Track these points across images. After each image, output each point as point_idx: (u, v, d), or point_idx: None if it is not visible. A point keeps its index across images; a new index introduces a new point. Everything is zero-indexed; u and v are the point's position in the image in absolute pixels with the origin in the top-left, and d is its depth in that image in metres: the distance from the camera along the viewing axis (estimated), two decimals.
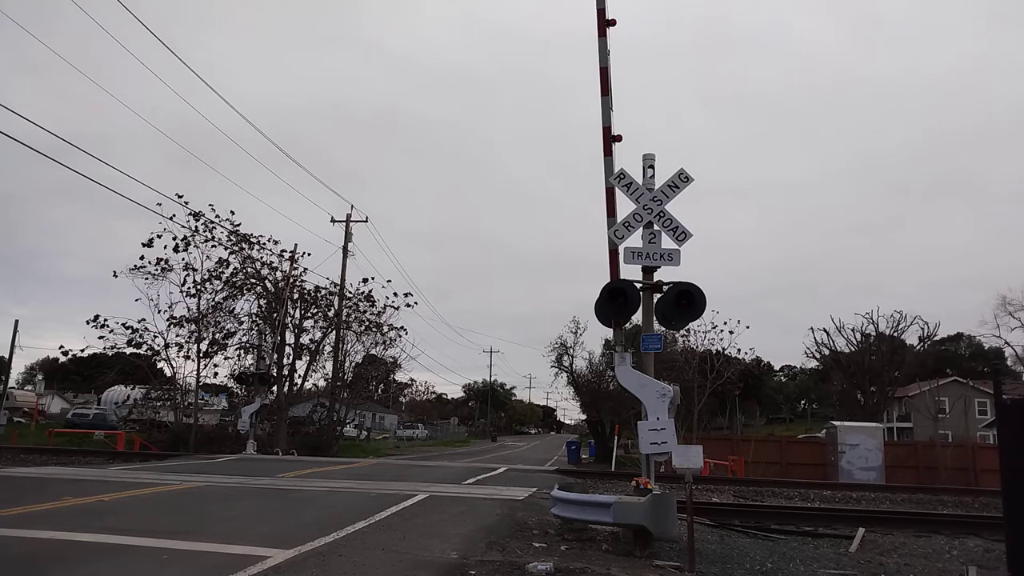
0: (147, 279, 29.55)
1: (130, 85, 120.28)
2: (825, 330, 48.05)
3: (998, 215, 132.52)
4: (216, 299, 31.10)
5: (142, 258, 29.67)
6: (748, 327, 34.83)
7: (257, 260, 31.65)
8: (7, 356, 39.04)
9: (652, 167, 9.80)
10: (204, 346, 30.69)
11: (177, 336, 30.40)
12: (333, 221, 36.31)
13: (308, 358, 33.32)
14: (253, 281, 31.71)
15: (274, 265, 31.94)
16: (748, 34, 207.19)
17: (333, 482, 14.04)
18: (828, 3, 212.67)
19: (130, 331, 29.75)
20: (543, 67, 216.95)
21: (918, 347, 48.34)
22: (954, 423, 43.00)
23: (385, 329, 34.55)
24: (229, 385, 34.03)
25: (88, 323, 29.37)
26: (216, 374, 32.12)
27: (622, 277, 9.65)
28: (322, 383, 35.93)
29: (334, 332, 33.86)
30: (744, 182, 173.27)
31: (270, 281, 31.90)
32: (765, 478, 23.60)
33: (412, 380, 79.98)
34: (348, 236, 35.45)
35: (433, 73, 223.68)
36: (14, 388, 61.90)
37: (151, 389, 31.49)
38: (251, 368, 28.78)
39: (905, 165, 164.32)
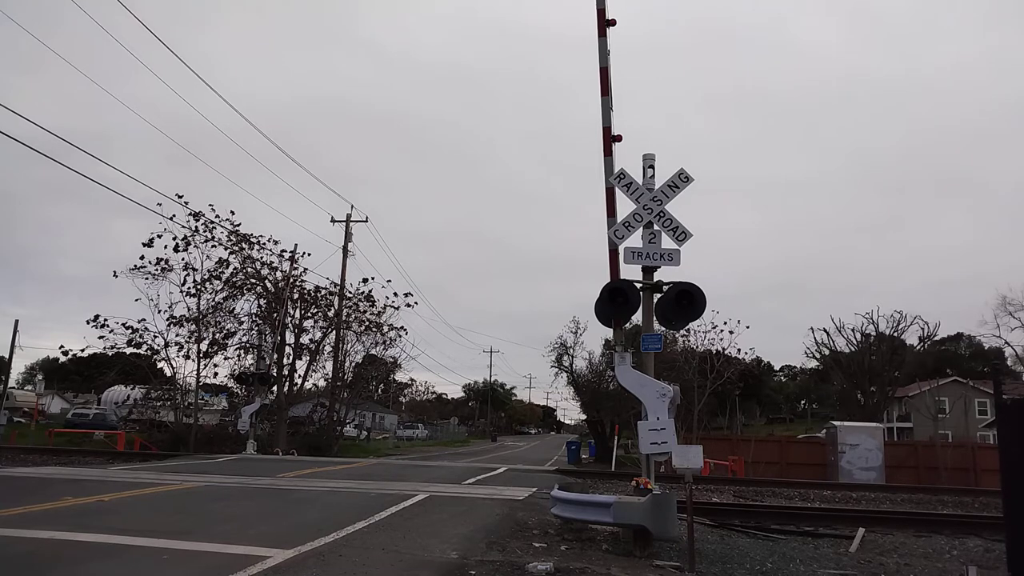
0: (147, 279, 29.57)
1: (129, 84, 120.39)
2: (825, 330, 48.13)
3: (998, 214, 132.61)
4: (216, 299, 31.11)
5: (142, 258, 29.71)
6: (748, 327, 34.80)
7: (257, 260, 31.67)
8: (7, 356, 38.93)
9: (652, 167, 9.80)
10: (204, 346, 30.70)
11: (177, 336, 30.43)
12: (333, 221, 36.34)
13: (308, 358, 33.33)
14: (253, 281, 31.70)
15: (274, 265, 31.98)
16: (748, 33, 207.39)
17: (333, 482, 14.04)
18: (827, 2, 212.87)
19: (130, 331, 29.77)
20: (543, 66, 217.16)
21: (918, 347, 48.35)
22: (954, 423, 42.98)
23: (385, 329, 34.56)
24: (229, 385, 33.99)
25: (88, 323, 29.40)
26: (216, 374, 32.14)
27: (622, 277, 9.64)
28: (322, 383, 35.95)
29: (334, 332, 33.85)
30: (744, 181, 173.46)
31: (270, 281, 31.90)
32: (765, 478, 23.60)
33: (412, 380, 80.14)
34: (348, 236, 35.46)
35: (432, 72, 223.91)
36: (14, 388, 61.83)
37: (151, 389, 31.46)
38: (251, 368, 28.74)
39: (905, 164, 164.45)
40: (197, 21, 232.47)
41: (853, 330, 46.44)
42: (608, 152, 10.22)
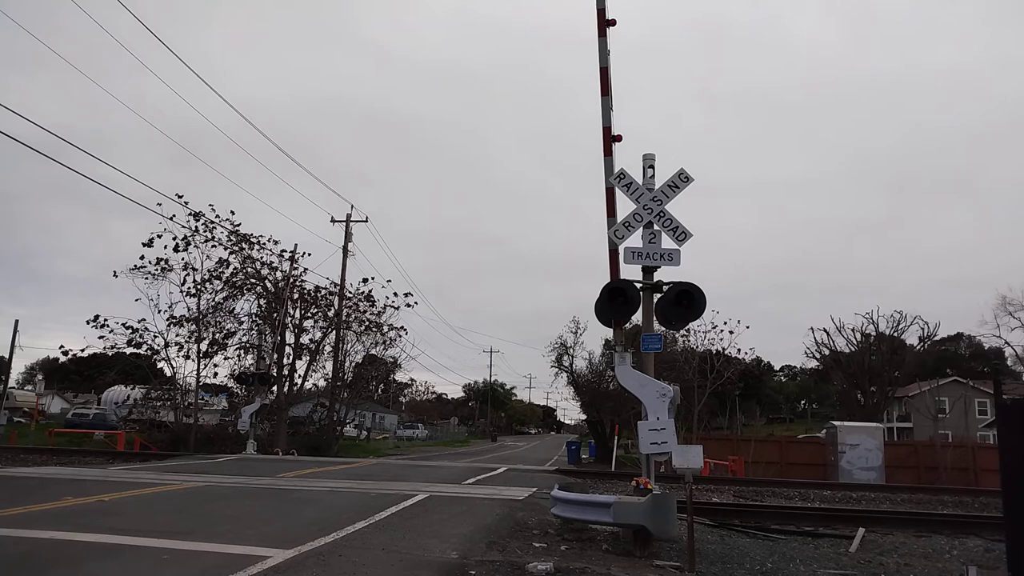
0: (147, 279, 29.63)
1: (129, 84, 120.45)
2: (825, 330, 48.10)
3: (998, 214, 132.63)
4: (216, 299, 31.15)
5: (142, 258, 29.74)
6: (748, 327, 34.86)
7: (257, 260, 31.68)
8: (7, 356, 38.95)
9: (652, 167, 9.80)
10: (204, 346, 30.72)
11: (177, 336, 30.47)
12: (333, 221, 36.32)
13: (308, 358, 33.33)
14: (253, 281, 31.70)
15: (274, 265, 32.00)
16: (747, 33, 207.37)
17: (333, 482, 14.04)
18: (827, 2, 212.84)
19: (130, 331, 29.81)
20: (542, 66, 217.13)
21: (918, 347, 48.34)
22: (954, 423, 42.95)
23: (385, 329, 34.59)
24: (229, 385, 33.99)
25: (88, 323, 29.44)
26: (216, 374, 32.19)
27: (622, 277, 9.64)
28: (322, 383, 35.94)
29: (334, 332, 33.85)
30: (744, 181, 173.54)
31: (270, 281, 31.91)
32: (765, 478, 23.60)
33: (412, 380, 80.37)
34: (348, 236, 35.44)
35: (432, 71, 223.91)
36: (14, 388, 61.78)
37: (151, 389, 31.49)
38: (251, 368, 28.74)
39: (904, 164, 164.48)
40: (197, 21, 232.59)
41: (853, 330, 46.51)
42: (608, 152, 10.22)
